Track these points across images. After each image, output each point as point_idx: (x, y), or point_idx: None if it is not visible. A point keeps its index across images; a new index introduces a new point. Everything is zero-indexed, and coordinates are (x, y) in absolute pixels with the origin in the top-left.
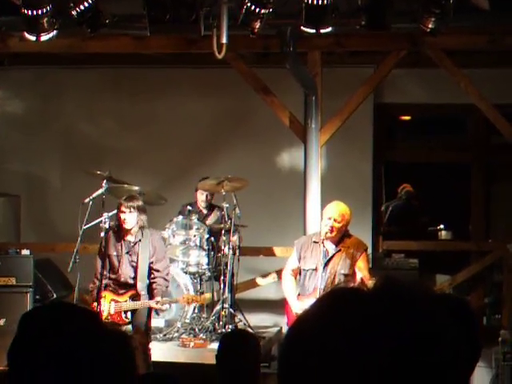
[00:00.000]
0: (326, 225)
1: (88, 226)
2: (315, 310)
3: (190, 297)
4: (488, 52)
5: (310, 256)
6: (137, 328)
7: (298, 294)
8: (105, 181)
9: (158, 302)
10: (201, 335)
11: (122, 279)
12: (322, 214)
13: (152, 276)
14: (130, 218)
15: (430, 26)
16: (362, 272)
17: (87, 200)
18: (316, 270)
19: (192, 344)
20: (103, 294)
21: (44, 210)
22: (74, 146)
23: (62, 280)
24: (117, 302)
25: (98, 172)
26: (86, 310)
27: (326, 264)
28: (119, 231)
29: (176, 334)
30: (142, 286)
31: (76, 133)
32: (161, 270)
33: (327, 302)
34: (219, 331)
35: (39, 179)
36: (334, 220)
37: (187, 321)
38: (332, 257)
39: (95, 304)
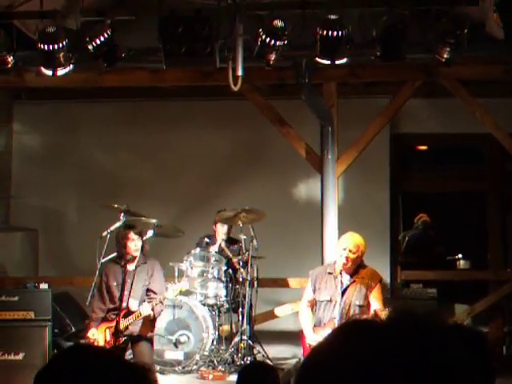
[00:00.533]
0: (342, 255)
1: (106, 259)
2: (329, 342)
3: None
4: (503, 81)
5: (324, 287)
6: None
7: (314, 325)
8: (123, 214)
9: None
10: (219, 367)
11: (123, 306)
12: (337, 245)
13: (149, 297)
14: (139, 245)
15: (444, 56)
16: (376, 303)
17: (105, 233)
18: (331, 301)
19: (211, 376)
20: (99, 327)
21: (62, 243)
22: (90, 180)
23: (81, 313)
24: (111, 327)
25: (116, 205)
26: (104, 351)
27: (342, 295)
28: (121, 261)
29: (195, 367)
30: (134, 304)
31: (92, 166)
32: (158, 292)
33: (341, 334)
34: (238, 363)
35: (56, 213)
36: (350, 251)
37: (206, 353)
38: (347, 288)
39: (90, 336)
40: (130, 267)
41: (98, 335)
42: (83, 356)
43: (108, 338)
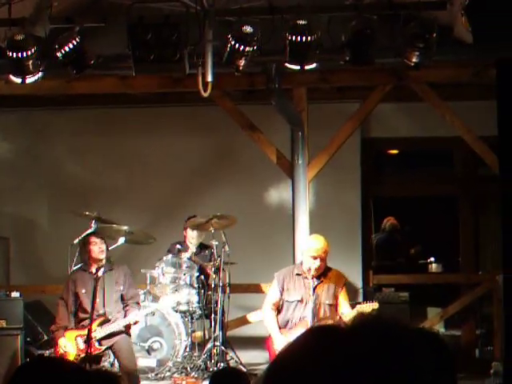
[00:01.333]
0: (313, 265)
1: (77, 266)
2: (296, 348)
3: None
4: (472, 84)
5: (293, 288)
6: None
7: (279, 328)
8: (94, 221)
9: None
10: (193, 374)
11: (94, 314)
12: (305, 253)
13: (125, 303)
14: (103, 247)
15: (413, 60)
16: (345, 303)
17: (76, 241)
18: (301, 301)
19: (184, 383)
20: (65, 334)
21: (33, 251)
22: (61, 187)
23: (53, 321)
24: (82, 335)
25: (87, 213)
26: (69, 363)
27: (312, 295)
28: (89, 268)
29: (168, 374)
30: (110, 312)
31: (63, 173)
32: (133, 297)
33: (307, 340)
34: (211, 369)
35: (28, 221)
36: (320, 259)
37: (179, 360)
38: (315, 288)
39: (61, 346)
40: (99, 273)
41: (68, 344)
42: (47, 368)
43: (81, 347)
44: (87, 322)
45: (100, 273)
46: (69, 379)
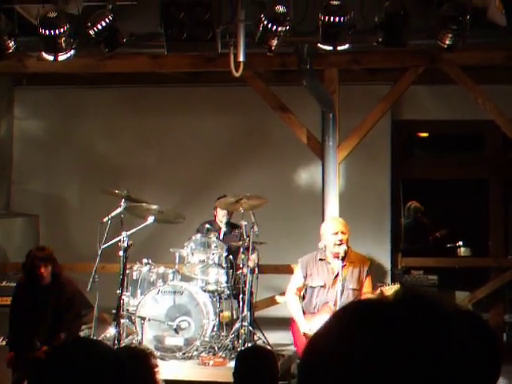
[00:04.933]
0: (336, 241)
1: (107, 245)
2: (334, 326)
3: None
4: (505, 68)
5: (316, 273)
6: None
7: (304, 312)
8: (123, 200)
9: None
10: (220, 353)
11: (41, 333)
12: (326, 233)
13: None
14: (48, 272)
15: (447, 42)
16: (368, 289)
17: (106, 219)
18: (324, 286)
19: (211, 362)
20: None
21: (63, 229)
22: (92, 165)
23: (81, 299)
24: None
25: (117, 191)
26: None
27: (334, 280)
28: (33, 282)
29: (195, 353)
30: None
31: (94, 152)
32: (78, 315)
33: (346, 314)
34: (238, 349)
35: (58, 199)
36: (342, 233)
37: (206, 339)
38: (338, 272)
39: None
40: (43, 288)
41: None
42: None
43: None
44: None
45: (42, 289)
46: (104, 358)
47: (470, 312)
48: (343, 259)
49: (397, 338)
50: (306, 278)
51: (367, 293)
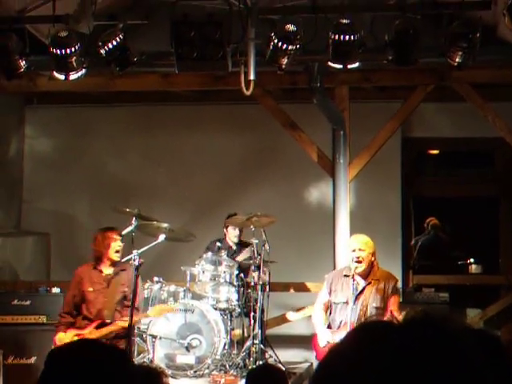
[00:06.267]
0: (353, 258)
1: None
2: (346, 345)
3: (160, 308)
4: None
5: (340, 289)
6: None
7: (329, 327)
8: (134, 218)
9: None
10: (231, 371)
11: (97, 313)
12: (346, 250)
13: (125, 304)
14: (120, 248)
15: (456, 60)
16: (394, 307)
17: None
18: (347, 303)
19: (223, 380)
20: (66, 331)
21: (73, 247)
22: (102, 183)
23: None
24: (79, 335)
25: (128, 209)
26: (113, 348)
27: (357, 297)
28: (98, 265)
29: (207, 371)
30: (108, 314)
31: (104, 170)
32: (137, 304)
33: (358, 336)
34: (249, 367)
35: (68, 217)
36: (359, 250)
37: (218, 357)
38: (363, 290)
39: (57, 340)
40: (107, 271)
41: (65, 341)
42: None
43: None
44: (85, 322)
45: (108, 271)
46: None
47: (482, 330)
48: (367, 276)
49: (409, 359)
50: (330, 293)
51: (393, 311)
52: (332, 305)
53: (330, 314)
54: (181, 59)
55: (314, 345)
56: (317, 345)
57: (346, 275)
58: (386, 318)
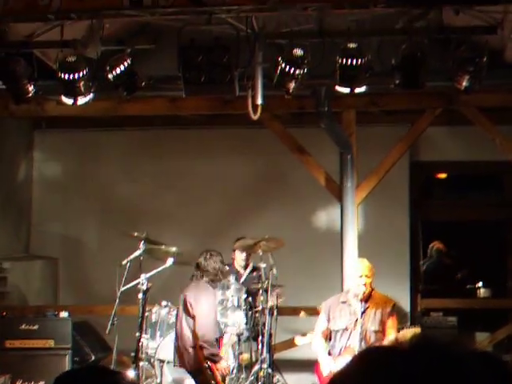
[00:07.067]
0: (359, 284)
1: (126, 287)
2: (350, 372)
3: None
4: None
5: (339, 316)
6: None
7: (330, 355)
8: (142, 242)
9: None
10: None
11: None
12: (350, 275)
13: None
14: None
15: (464, 84)
16: (392, 330)
17: (125, 262)
18: (346, 329)
19: None
20: None
21: (82, 272)
22: (110, 208)
23: (100, 342)
24: None
25: (135, 233)
26: (118, 374)
27: (356, 322)
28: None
29: None
30: None
31: (112, 194)
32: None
33: (362, 363)
34: None
35: (77, 241)
36: (366, 276)
37: (226, 382)
38: (362, 314)
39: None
40: None
41: None
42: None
43: None
44: None
45: None
46: None
47: (488, 353)
48: (366, 301)
49: None
50: (328, 321)
51: (390, 334)
52: (332, 332)
53: (330, 340)
54: (188, 83)
55: (316, 372)
56: (319, 373)
57: (343, 302)
58: (385, 342)
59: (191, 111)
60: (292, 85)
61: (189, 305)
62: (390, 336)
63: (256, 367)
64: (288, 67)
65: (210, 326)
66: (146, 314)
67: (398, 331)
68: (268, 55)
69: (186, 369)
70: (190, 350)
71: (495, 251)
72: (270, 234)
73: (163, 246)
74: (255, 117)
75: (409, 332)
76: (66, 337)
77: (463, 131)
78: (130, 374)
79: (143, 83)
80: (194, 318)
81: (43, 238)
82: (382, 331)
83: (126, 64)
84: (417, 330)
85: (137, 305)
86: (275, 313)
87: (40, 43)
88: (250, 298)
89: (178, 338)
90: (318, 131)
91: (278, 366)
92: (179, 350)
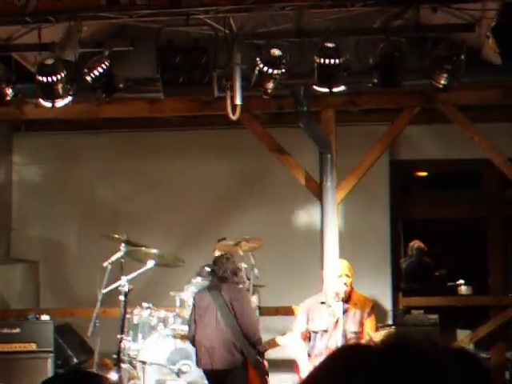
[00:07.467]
0: (341, 284)
1: (107, 290)
2: (325, 371)
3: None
4: (502, 106)
5: (318, 317)
6: None
7: (309, 355)
8: (123, 244)
9: None
10: None
11: None
12: (329, 276)
13: None
14: None
15: (442, 82)
16: (369, 331)
17: (106, 264)
18: (326, 330)
19: None
20: None
21: (63, 275)
22: (91, 210)
23: (82, 345)
24: None
25: (116, 236)
26: (100, 377)
27: (336, 323)
28: None
29: None
30: None
31: (93, 197)
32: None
33: (337, 362)
34: None
35: (57, 244)
36: (346, 275)
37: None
38: (343, 314)
39: None
40: None
41: None
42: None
43: None
44: None
45: None
46: None
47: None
48: (346, 301)
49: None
50: (307, 322)
51: (368, 334)
52: (311, 333)
53: (309, 341)
54: (167, 85)
55: (297, 373)
56: (300, 375)
57: (322, 302)
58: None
59: (170, 113)
60: (270, 85)
61: (233, 306)
62: (368, 336)
63: None
64: (266, 67)
65: (257, 324)
66: (128, 316)
67: (377, 331)
68: (246, 56)
69: (216, 368)
70: (232, 348)
71: (476, 248)
72: (251, 234)
73: (144, 248)
74: (234, 117)
75: (386, 333)
76: (47, 340)
77: (442, 129)
78: (113, 376)
79: (121, 85)
80: (238, 317)
81: (23, 241)
82: (361, 331)
83: (104, 66)
84: (392, 330)
85: (118, 307)
86: (257, 313)
87: (18, 46)
88: None
89: (209, 337)
90: (297, 131)
91: None
92: (209, 349)
